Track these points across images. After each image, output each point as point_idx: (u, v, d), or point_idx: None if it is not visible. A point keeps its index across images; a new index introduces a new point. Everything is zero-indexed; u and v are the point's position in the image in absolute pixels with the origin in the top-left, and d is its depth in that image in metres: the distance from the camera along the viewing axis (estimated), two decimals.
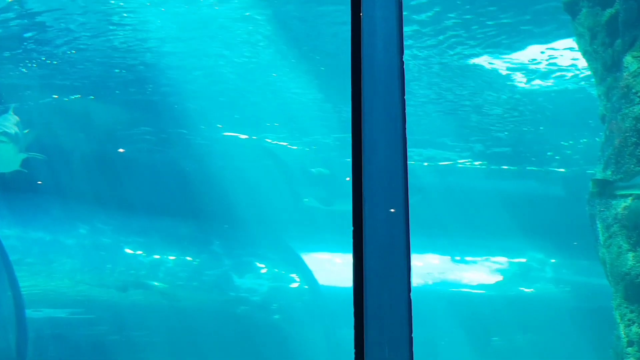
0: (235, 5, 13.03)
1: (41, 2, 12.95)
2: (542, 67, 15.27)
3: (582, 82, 15.54)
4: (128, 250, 16.33)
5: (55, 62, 14.94)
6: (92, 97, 16.49)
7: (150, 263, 16.49)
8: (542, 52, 14.64)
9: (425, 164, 19.72)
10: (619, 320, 8.97)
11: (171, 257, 16.77)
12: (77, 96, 16.41)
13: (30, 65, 14.94)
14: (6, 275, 13.48)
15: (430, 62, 15.18)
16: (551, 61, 15.02)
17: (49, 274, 15.00)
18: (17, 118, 10.17)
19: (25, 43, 14.25)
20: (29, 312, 13.75)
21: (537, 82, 15.99)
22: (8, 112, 10.23)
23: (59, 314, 14.66)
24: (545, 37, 13.98)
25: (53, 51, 14.54)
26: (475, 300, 20.09)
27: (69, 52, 14.66)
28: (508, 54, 14.74)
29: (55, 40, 14.25)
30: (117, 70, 15.52)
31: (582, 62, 13.45)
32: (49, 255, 15.22)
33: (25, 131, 10.48)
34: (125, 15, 13.33)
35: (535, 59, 14.97)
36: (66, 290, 15.01)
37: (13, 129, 9.94)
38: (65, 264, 15.28)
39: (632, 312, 8.80)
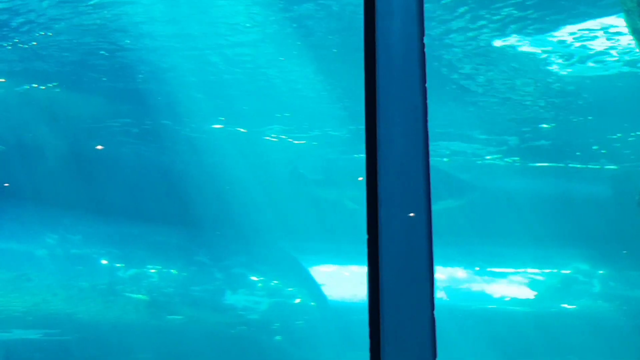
0: None
1: None
2: (583, 48, 15.24)
3: (629, 66, 15.50)
4: (103, 262, 16.27)
5: (24, 46, 14.95)
6: (59, 86, 16.46)
7: (130, 277, 16.45)
8: (582, 32, 14.59)
9: (445, 159, 19.67)
10: None
11: (152, 270, 16.69)
12: (49, 85, 16.40)
13: None
14: None
15: (454, 44, 15.18)
16: (592, 42, 14.97)
17: (19, 289, 14.99)
18: None
19: None
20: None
21: (578, 65, 15.95)
22: None
23: (30, 335, 14.64)
24: (585, 15, 13.93)
25: (21, 35, 14.54)
26: (508, 318, 20.02)
27: (38, 35, 14.67)
28: (543, 34, 14.71)
29: (21, 24, 14.28)
30: (92, 56, 15.52)
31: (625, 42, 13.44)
32: (18, 268, 15.20)
33: None
34: None
35: (573, 40, 14.94)
36: (38, 308, 14.99)
37: None
38: (37, 278, 15.27)
39: None
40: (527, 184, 19.90)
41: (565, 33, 14.62)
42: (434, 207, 2.14)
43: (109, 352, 15.35)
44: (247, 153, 18.96)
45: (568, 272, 20.69)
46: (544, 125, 18.35)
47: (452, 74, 16.20)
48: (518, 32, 14.65)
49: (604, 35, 14.68)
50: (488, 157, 20.06)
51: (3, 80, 15.91)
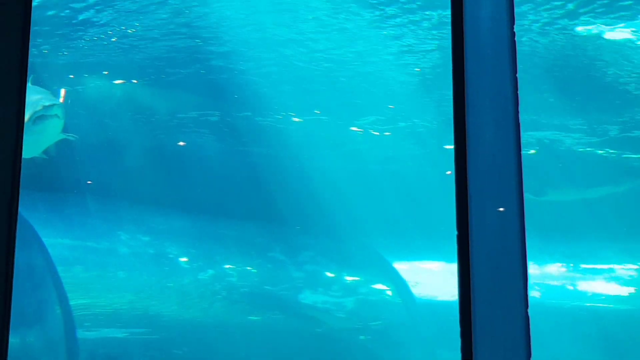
0: None
1: None
2: None
3: None
4: (183, 259, 16.39)
5: (110, 41, 15.19)
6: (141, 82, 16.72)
7: (212, 276, 16.59)
8: None
9: (532, 151, 19.42)
10: None
11: (227, 266, 16.75)
12: (132, 81, 16.65)
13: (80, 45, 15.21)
14: (54, 290, 13.73)
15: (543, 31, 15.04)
16: None
17: (103, 287, 15.20)
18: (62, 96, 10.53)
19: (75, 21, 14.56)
20: (81, 332, 13.99)
21: None
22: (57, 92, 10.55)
23: (116, 334, 14.81)
24: None
25: (106, 30, 14.80)
26: (606, 316, 19.70)
27: (127, 31, 14.91)
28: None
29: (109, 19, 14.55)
30: (174, 51, 15.72)
31: None
32: (102, 266, 15.43)
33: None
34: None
35: None
36: (123, 307, 15.18)
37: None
38: (120, 276, 15.49)
39: None
40: (620, 176, 19.55)
41: None
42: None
43: (194, 348, 15.51)
44: (333, 145, 19.02)
45: None
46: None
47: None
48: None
49: None
50: (581, 149, 19.82)
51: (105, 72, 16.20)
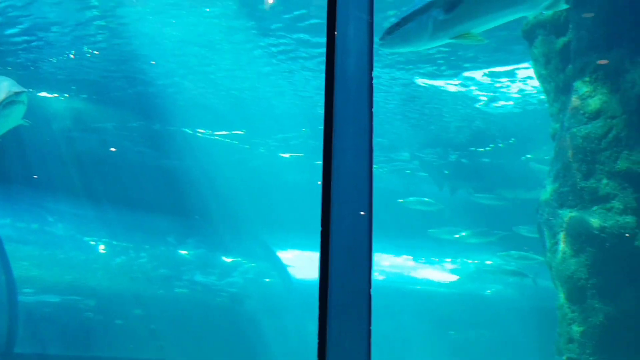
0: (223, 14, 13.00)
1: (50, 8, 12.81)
2: (501, 89, 15.37)
3: (540, 104, 15.67)
4: (100, 247, 16.07)
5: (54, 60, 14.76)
6: (94, 97, 16.35)
7: (129, 256, 16.32)
8: (500, 75, 14.70)
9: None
10: (560, 319, 9.07)
11: (144, 248, 16.55)
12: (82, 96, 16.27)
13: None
14: (0, 261, 13.32)
15: (396, 82, 15.29)
16: (506, 83, 15.10)
17: (42, 262, 14.80)
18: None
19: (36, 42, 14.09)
20: (21, 297, 13.59)
21: (501, 102, 16.11)
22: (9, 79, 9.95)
23: (51, 299, 14.47)
24: (503, 62, 14.06)
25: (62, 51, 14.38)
26: (435, 296, 20.15)
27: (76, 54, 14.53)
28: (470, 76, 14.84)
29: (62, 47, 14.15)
30: (110, 71, 15.38)
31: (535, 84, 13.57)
32: (42, 246, 15.01)
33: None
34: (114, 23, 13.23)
35: (491, 82, 15.06)
36: (58, 279, 14.82)
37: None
38: (57, 254, 15.12)
39: (573, 312, 8.89)
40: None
41: (485, 75, 14.76)
42: None
43: (114, 313, 15.13)
44: (232, 156, 18.94)
45: (477, 261, 20.75)
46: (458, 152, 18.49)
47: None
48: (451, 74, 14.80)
49: (518, 78, 14.82)
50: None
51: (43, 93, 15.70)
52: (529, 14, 6.15)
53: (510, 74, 14.61)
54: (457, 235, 18.36)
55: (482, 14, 6.13)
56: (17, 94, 9.34)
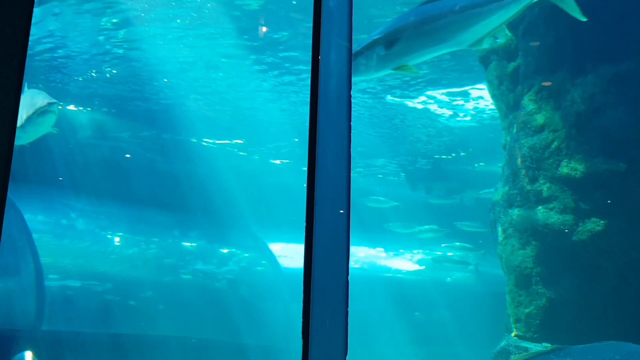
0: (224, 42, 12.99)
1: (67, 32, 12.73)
2: (466, 106, 15.43)
3: (491, 120, 15.74)
4: (116, 239, 15.93)
5: (80, 79, 14.70)
6: (112, 111, 16.27)
7: (141, 248, 16.19)
8: (458, 94, 14.76)
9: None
10: (509, 302, 9.10)
11: (153, 240, 16.44)
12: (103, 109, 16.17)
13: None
14: (29, 250, 13.21)
15: (369, 98, 15.30)
16: (464, 102, 15.17)
17: (65, 252, 14.68)
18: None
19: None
20: (47, 282, 13.48)
21: (460, 118, 16.17)
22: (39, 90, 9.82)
23: (73, 283, 14.35)
24: (463, 82, 14.12)
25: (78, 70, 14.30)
26: (403, 283, 20.14)
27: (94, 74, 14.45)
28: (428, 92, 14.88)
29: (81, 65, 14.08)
30: (125, 88, 15.32)
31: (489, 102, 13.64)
32: (65, 238, 14.90)
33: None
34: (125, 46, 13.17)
35: (450, 100, 15.11)
36: (79, 266, 14.70)
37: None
38: (77, 245, 15.00)
39: (520, 296, 8.93)
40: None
41: (443, 94, 14.81)
42: None
43: (130, 296, 15.02)
44: (230, 161, 18.87)
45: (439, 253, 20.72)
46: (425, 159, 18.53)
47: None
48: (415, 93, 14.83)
49: (471, 97, 14.89)
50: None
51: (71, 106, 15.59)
52: (455, 49, 6.27)
53: (464, 94, 14.71)
54: (411, 230, 18.51)
55: (415, 51, 6.29)
56: (49, 104, 9.29)
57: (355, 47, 6.46)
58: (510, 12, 5.94)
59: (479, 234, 17.50)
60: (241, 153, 18.96)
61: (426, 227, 18.47)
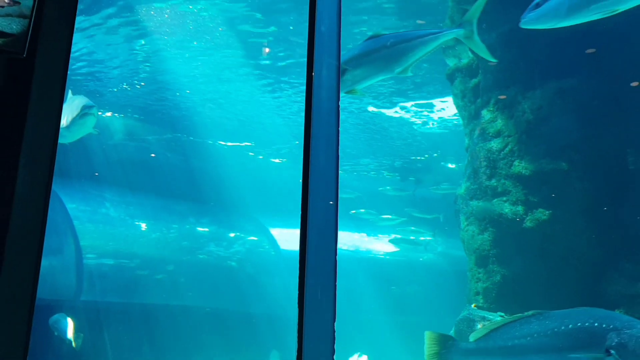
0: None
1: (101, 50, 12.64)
2: (427, 115, 15.42)
3: (457, 127, 15.76)
4: (143, 225, 15.82)
5: (115, 90, 14.61)
6: (140, 117, 16.17)
7: (162, 232, 16.10)
8: (426, 105, 14.74)
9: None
10: (470, 278, 9.13)
11: (173, 227, 16.36)
12: (134, 116, 16.07)
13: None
14: (70, 234, 13.15)
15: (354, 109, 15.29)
16: (430, 112, 15.16)
17: (100, 235, 14.59)
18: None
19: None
20: (85, 260, 13.42)
21: (430, 125, 16.17)
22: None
23: (107, 262, 14.27)
24: (432, 94, 14.12)
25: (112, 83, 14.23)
26: (383, 263, 20.14)
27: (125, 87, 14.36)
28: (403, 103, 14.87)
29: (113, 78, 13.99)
30: (152, 99, 15.25)
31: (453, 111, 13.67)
32: (100, 223, 14.82)
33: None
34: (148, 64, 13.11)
35: (419, 110, 15.10)
36: (112, 247, 14.63)
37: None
38: (110, 229, 14.93)
39: (479, 273, 8.95)
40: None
41: (413, 105, 14.80)
42: None
43: (155, 272, 14.97)
44: (238, 159, 18.81)
45: (413, 237, 20.68)
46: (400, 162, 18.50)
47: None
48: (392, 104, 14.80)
49: (436, 109, 14.90)
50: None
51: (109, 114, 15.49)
52: (388, 76, 6.40)
53: (429, 106, 14.74)
54: (374, 216, 18.56)
55: (360, 78, 6.33)
56: (89, 107, 9.03)
57: None
58: (429, 47, 6.06)
59: (429, 220, 17.82)
60: (250, 153, 18.90)
61: (388, 215, 18.58)
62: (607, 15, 5.51)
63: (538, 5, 5.77)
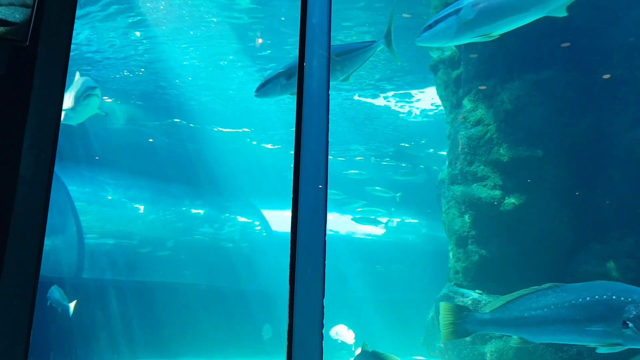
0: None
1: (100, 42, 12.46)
2: (413, 104, 15.39)
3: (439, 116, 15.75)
4: (140, 208, 15.72)
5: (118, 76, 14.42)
6: (140, 103, 16.01)
7: (161, 214, 16.06)
8: (410, 94, 14.70)
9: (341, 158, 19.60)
10: (450, 258, 9.21)
11: (170, 209, 16.29)
12: (135, 102, 15.89)
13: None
14: (72, 214, 13.08)
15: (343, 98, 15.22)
16: (416, 101, 15.13)
17: (100, 217, 14.52)
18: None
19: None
20: (87, 239, 13.37)
21: (414, 114, 16.14)
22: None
23: (108, 241, 14.23)
24: (416, 84, 14.08)
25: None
26: (370, 243, 20.23)
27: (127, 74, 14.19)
28: (389, 91, 14.82)
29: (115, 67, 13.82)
30: (153, 87, 15.10)
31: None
32: (99, 205, 14.74)
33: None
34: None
35: (401, 100, 15.08)
36: (111, 228, 14.56)
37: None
38: (109, 211, 14.85)
39: (458, 253, 9.03)
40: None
41: (396, 95, 14.75)
42: None
43: (154, 249, 14.92)
44: (232, 144, 18.71)
45: (399, 219, 20.70)
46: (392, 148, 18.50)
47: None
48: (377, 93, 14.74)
49: (420, 99, 14.86)
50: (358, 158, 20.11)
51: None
52: (333, 82, 6.51)
53: (409, 96, 14.73)
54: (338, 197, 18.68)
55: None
56: (92, 88, 8.73)
57: (265, 77, 6.86)
58: (367, 58, 6.45)
59: (388, 199, 18.05)
60: (247, 139, 18.81)
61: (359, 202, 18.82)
62: (485, 39, 5.99)
63: (430, 27, 6.12)
